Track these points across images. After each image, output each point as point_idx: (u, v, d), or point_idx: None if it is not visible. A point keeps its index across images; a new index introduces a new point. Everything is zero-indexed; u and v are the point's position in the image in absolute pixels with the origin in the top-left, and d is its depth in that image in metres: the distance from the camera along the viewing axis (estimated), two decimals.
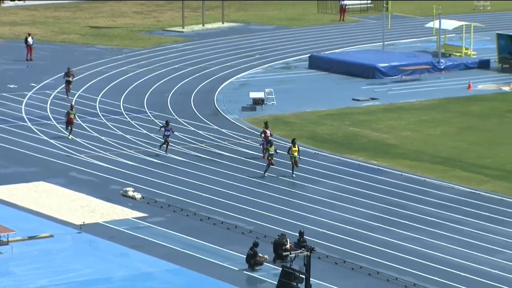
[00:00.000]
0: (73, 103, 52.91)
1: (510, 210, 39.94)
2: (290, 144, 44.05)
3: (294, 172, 43.87)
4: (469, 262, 34.68)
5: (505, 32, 72.30)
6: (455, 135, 51.96)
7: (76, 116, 51.26)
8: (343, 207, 40.40)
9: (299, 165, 43.99)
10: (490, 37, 73.57)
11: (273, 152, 43.61)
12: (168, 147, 47.33)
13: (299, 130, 53.38)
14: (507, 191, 42.38)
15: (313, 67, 69.73)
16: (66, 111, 50.71)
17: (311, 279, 28.01)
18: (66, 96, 58.58)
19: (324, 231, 37.65)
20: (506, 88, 62.27)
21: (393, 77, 65.97)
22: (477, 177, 44.59)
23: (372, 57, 69.45)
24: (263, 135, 46.14)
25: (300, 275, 27.80)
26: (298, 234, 34.70)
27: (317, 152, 48.73)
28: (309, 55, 72.08)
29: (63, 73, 59.14)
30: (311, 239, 35.14)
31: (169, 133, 46.88)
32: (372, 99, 60.24)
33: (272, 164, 43.76)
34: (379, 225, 38.41)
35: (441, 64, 67.92)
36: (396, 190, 42.28)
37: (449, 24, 72.35)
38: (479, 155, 47.95)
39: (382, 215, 39.23)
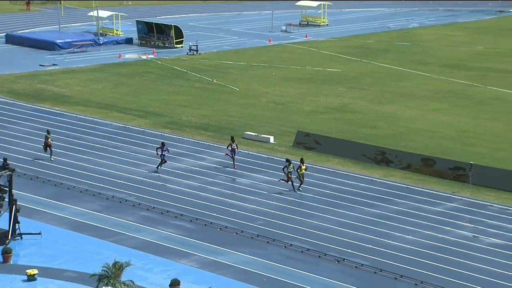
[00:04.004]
0: (48, 129, 37.85)
1: (149, 137, 40.02)
2: (299, 163, 32.93)
3: (301, 186, 32.83)
4: (122, 173, 34.46)
5: (141, 19, 72.31)
6: (111, 88, 51.31)
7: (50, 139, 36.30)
8: (37, 140, 38.64)
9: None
10: (132, 22, 73.27)
11: (291, 170, 32.41)
12: (164, 164, 34.91)
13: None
14: (147, 125, 42.46)
15: (9, 43, 66.81)
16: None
17: (13, 190, 27.11)
18: None
19: (24, 157, 35.89)
20: (144, 57, 62.41)
21: (68, 49, 64.07)
22: (127, 116, 44.34)
23: (52, 35, 67.20)
24: (229, 147, 35.53)
25: (5, 188, 27.08)
26: (2, 160, 32.63)
27: (15, 102, 46.23)
28: (5, 34, 68.40)
29: None
30: (14, 163, 33.27)
31: (165, 152, 34.66)
32: (54, 65, 58.35)
33: (287, 181, 32.59)
34: (60, 151, 37.13)
35: (101, 40, 66.78)
36: (73, 127, 41.15)
37: (104, 13, 71.83)
38: (128, 102, 47.71)
39: (67, 145, 37.87)
